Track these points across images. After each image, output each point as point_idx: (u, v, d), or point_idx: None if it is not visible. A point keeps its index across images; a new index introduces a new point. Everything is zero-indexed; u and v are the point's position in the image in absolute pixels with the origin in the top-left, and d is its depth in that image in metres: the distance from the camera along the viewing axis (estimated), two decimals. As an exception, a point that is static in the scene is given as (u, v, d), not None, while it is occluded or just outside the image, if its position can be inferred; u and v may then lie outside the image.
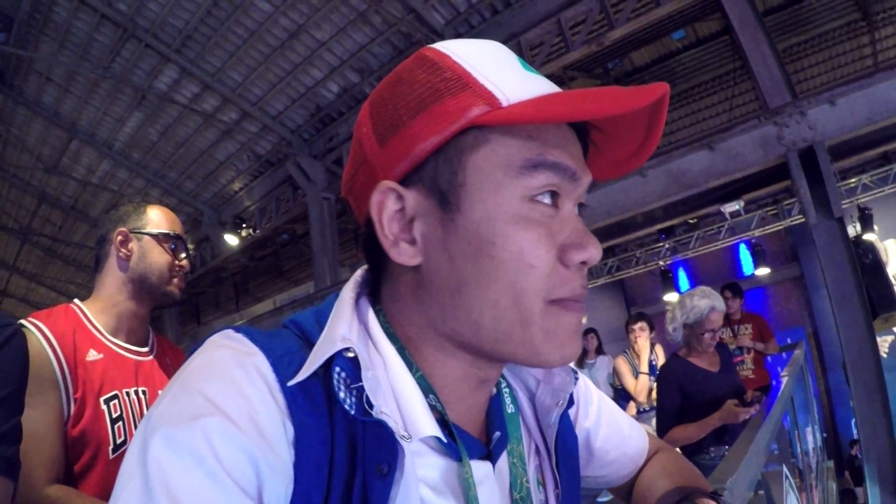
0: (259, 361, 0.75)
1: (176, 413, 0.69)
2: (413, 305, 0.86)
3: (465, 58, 0.82)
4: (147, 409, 2.05)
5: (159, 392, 2.13)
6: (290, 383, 0.74)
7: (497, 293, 0.78)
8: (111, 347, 2.14)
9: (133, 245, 2.22)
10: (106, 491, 1.91)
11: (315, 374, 0.76)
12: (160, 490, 0.63)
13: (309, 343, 0.81)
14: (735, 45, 9.38)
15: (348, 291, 0.89)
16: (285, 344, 0.80)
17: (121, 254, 2.21)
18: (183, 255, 2.29)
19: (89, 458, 1.94)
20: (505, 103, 0.78)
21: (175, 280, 2.27)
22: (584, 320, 0.92)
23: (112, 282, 2.22)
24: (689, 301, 4.28)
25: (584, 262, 0.81)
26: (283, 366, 0.75)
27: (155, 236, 2.24)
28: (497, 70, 0.81)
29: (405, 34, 9.78)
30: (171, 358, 2.33)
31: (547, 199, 0.80)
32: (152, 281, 2.21)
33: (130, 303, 2.22)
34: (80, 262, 18.92)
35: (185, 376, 0.74)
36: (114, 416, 2.01)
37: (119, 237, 2.21)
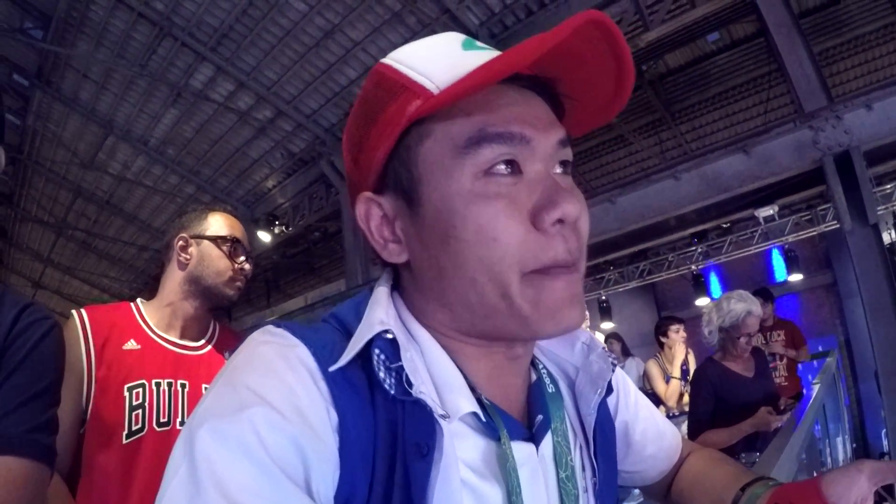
0: (301, 352, 0.77)
1: (221, 406, 0.70)
2: (418, 299, 0.90)
3: (404, 61, 0.86)
4: (183, 401, 2.10)
5: (203, 385, 2.17)
6: (332, 368, 0.76)
7: (472, 271, 0.80)
8: (154, 340, 2.21)
9: (193, 249, 2.30)
10: (117, 474, 1.98)
11: (355, 360, 0.78)
12: (208, 481, 0.64)
13: (349, 334, 0.82)
14: (770, 48, 9.31)
15: (383, 282, 0.93)
16: (326, 335, 0.83)
17: (181, 258, 2.29)
18: (241, 257, 2.34)
19: (104, 441, 1.99)
20: (436, 91, 0.80)
21: (236, 283, 2.33)
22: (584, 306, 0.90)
23: (171, 284, 2.30)
24: (725, 304, 4.25)
25: (560, 221, 0.80)
26: (325, 355, 0.78)
27: (213, 240, 2.30)
28: (430, 61, 0.84)
29: (439, 34, 9.79)
30: (230, 351, 2.35)
31: (505, 169, 0.80)
32: (208, 283, 2.27)
33: (186, 303, 2.29)
34: (114, 256, 19.15)
35: (229, 372, 0.76)
36: (134, 403, 2.06)
37: (180, 242, 2.29)
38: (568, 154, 0.87)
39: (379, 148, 0.85)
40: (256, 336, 0.82)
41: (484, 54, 0.83)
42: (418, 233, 0.85)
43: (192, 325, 2.32)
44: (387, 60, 0.89)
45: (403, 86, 0.83)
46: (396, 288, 0.94)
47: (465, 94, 0.76)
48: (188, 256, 2.28)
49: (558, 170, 0.86)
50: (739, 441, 3.97)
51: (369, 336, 0.79)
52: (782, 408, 4.01)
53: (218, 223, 2.35)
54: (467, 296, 0.82)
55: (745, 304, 4.19)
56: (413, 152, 0.83)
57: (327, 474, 0.71)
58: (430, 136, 0.82)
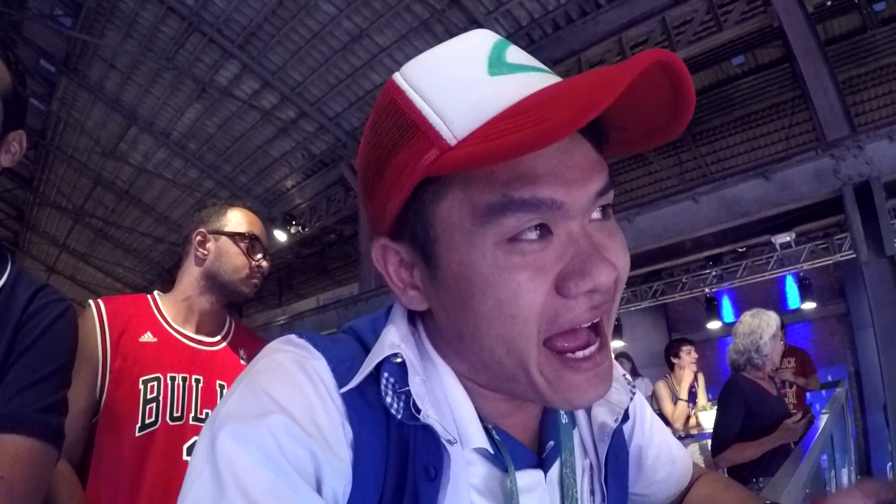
0: (319, 366, 0.78)
1: (242, 411, 0.72)
2: (438, 341, 0.88)
3: (420, 87, 0.76)
4: (197, 396, 2.10)
5: (217, 381, 2.16)
6: (343, 390, 0.76)
7: (490, 342, 0.76)
8: (170, 334, 2.21)
9: (210, 245, 2.28)
10: (129, 466, 1.98)
11: (372, 379, 0.78)
12: (231, 482, 0.65)
13: (366, 349, 0.82)
14: (795, 74, 9.27)
15: (401, 303, 0.90)
16: (345, 350, 0.82)
17: (198, 253, 2.28)
18: (259, 255, 2.32)
19: (116, 433, 1.99)
20: (453, 142, 0.71)
21: (253, 280, 2.31)
22: (613, 356, 0.86)
23: (188, 278, 2.29)
24: (762, 318, 4.43)
25: (592, 290, 0.73)
26: (343, 371, 0.78)
27: (231, 236, 2.29)
28: (449, 93, 0.74)
29: (466, 45, 9.80)
30: (246, 349, 2.38)
31: (531, 235, 0.72)
32: (224, 279, 2.26)
33: (202, 298, 2.28)
34: (129, 246, 19.23)
35: (250, 377, 0.77)
36: (148, 396, 2.05)
37: (198, 237, 2.29)
38: (608, 198, 0.78)
39: (392, 197, 0.78)
40: (278, 344, 0.82)
41: (514, 82, 0.74)
42: (436, 293, 0.80)
43: (208, 319, 2.31)
44: (401, 83, 0.79)
45: (416, 127, 0.74)
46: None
47: (487, 163, 0.69)
48: (206, 252, 2.28)
49: (596, 215, 0.78)
50: (759, 466, 4.05)
51: (379, 359, 0.78)
52: (803, 414, 4.11)
53: (237, 219, 2.34)
54: (485, 361, 0.79)
55: (768, 311, 4.47)
56: (429, 210, 0.76)
57: (339, 487, 0.72)
58: (448, 196, 0.74)
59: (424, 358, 0.86)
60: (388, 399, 0.77)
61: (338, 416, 0.75)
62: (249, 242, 2.31)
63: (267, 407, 0.71)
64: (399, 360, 0.79)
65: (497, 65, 0.76)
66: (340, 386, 0.76)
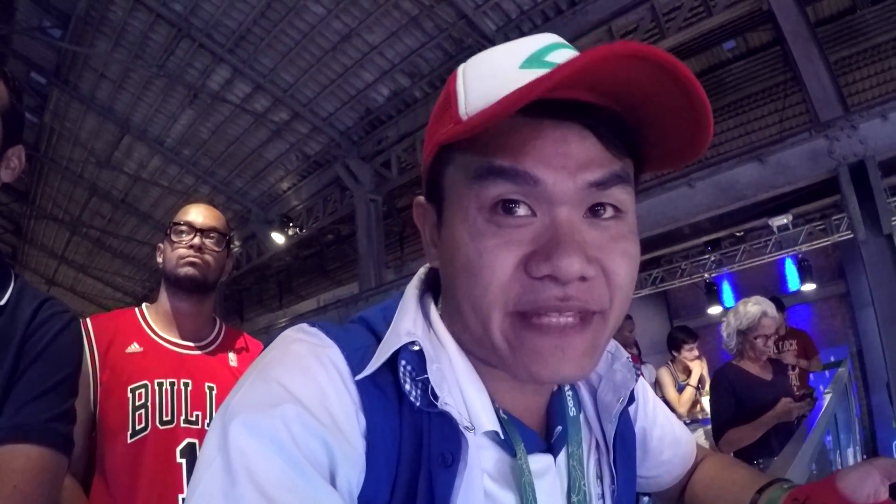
0: (333, 354, 0.79)
1: (254, 400, 0.71)
2: (445, 313, 0.90)
3: (466, 72, 0.84)
4: (186, 399, 2.17)
5: (206, 384, 2.22)
6: (359, 377, 0.77)
7: (463, 299, 0.80)
8: (156, 342, 2.28)
9: (162, 253, 2.36)
10: (124, 473, 2.03)
11: (385, 367, 0.79)
12: (242, 473, 0.65)
13: (378, 338, 0.83)
14: (786, 56, 9.27)
15: (412, 288, 0.93)
16: (358, 338, 0.84)
17: (158, 264, 2.38)
18: (188, 237, 2.31)
19: (111, 442, 2.05)
20: (464, 117, 0.78)
21: (184, 261, 2.29)
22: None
23: (161, 288, 2.38)
24: (742, 308, 4.43)
25: (550, 276, 0.73)
26: (357, 359, 0.79)
27: (167, 236, 2.35)
28: (480, 79, 0.81)
29: (456, 39, 9.81)
30: (235, 351, 2.44)
31: (514, 210, 0.75)
32: (167, 272, 2.32)
33: (170, 301, 2.35)
34: (128, 255, 19.24)
35: (261, 367, 0.77)
36: (137, 404, 2.10)
37: (157, 253, 2.39)
38: (610, 196, 0.78)
39: (425, 161, 0.89)
40: (290, 333, 0.83)
41: (535, 75, 0.69)
42: (438, 248, 0.87)
43: (189, 322, 2.36)
44: (459, 68, 0.87)
45: (449, 102, 0.82)
46: (434, 290, 0.95)
47: (478, 129, 0.72)
48: (160, 261, 2.36)
49: (603, 214, 0.79)
50: (757, 447, 4.07)
51: (395, 346, 0.80)
52: (800, 394, 4.12)
53: (176, 216, 2.38)
54: (462, 317, 0.82)
55: (760, 307, 4.36)
56: (441, 174, 0.84)
57: (353, 476, 0.73)
58: (453, 161, 0.82)
59: (436, 342, 0.87)
60: (407, 387, 0.78)
61: (351, 404, 0.76)
62: (175, 231, 2.33)
63: (279, 396, 0.71)
64: (416, 347, 0.81)
65: (532, 61, 0.80)
66: (355, 374, 0.77)
